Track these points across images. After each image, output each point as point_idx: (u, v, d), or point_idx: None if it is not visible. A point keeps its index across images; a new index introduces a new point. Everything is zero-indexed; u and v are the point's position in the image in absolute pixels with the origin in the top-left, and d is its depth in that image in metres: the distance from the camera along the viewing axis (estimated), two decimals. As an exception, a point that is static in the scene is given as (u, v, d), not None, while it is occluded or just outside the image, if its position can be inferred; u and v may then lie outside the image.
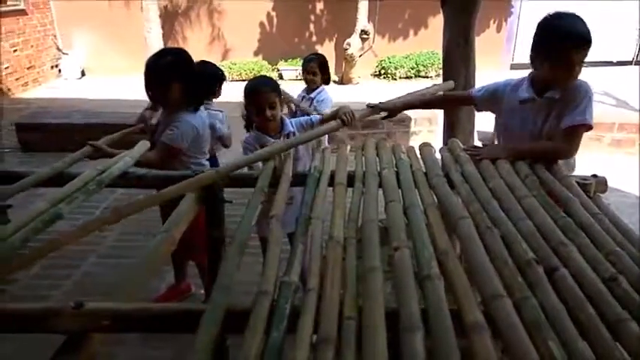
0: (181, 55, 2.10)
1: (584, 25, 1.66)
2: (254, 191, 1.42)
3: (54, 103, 6.35)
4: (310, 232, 1.19)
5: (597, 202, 1.39)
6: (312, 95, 3.31)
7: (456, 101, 2.19)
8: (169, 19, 8.48)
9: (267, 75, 3.18)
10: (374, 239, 1.14)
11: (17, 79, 7.39)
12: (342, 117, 1.97)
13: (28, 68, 7.70)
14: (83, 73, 8.70)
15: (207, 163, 2.26)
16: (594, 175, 1.56)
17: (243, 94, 2.14)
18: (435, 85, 2.16)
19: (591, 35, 1.64)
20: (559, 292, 0.93)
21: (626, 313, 0.88)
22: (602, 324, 0.85)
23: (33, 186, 1.52)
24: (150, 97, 2.11)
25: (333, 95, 3.45)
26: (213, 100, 2.93)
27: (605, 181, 1.55)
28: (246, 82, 2.20)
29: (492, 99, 1.94)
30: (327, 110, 2.77)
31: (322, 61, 3.30)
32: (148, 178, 1.60)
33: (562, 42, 1.64)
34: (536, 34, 1.75)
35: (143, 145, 1.75)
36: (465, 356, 0.78)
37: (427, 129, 5.13)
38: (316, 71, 3.26)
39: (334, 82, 8.65)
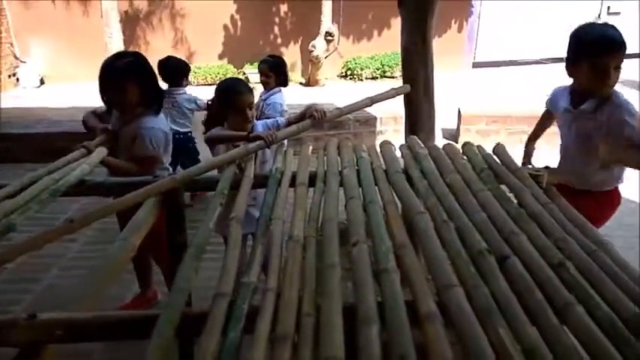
0: (137, 57, 2.08)
1: (616, 31, 1.71)
2: (214, 194, 1.42)
3: (13, 112, 6.14)
4: (270, 232, 1.20)
5: (549, 192, 1.44)
6: (263, 97, 3.31)
7: (549, 119, 2.26)
8: (130, 24, 8.32)
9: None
10: (333, 237, 1.15)
11: (-28, 89, 7.12)
12: (313, 113, 1.96)
13: (-17, 77, 7.42)
14: (42, 82, 8.45)
15: (170, 167, 2.23)
16: (546, 167, 1.62)
17: (217, 92, 2.14)
18: (392, 89, 2.20)
19: (624, 41, 1.69)
20: (510, 280, 0.96)
21: (572, 297, 0.92)
22: (549, 308, 0.88)
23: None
24: (105, 101, 2.06)
25: (300, 97, 3.48)
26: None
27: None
28: (218, 84, 2.22)
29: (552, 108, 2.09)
30: (282, 115, 2.74)
31: (276, 63, 3.24)
32: (106, 186, 1.57)
33: (594, 48, 1.69)
34: (569, 44, 1.82)
35: (101, 152, 1.71)
36: (420, 346, 0.80)
37: (393, 128, 5.20)
38: (268, 73, 3.21)
39: (301, 84, 8.67)
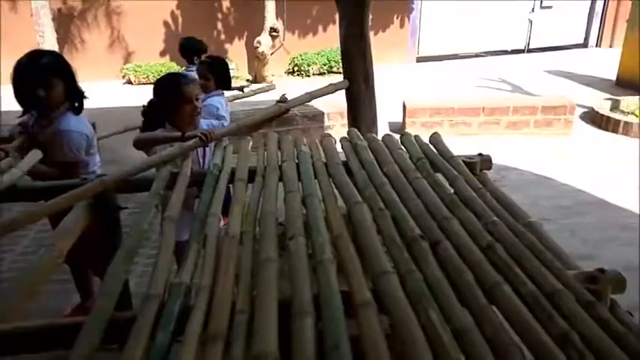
0: (57, 55, 1.99)
1: None
2: (149, 194, 1.37)
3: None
4: (205, 230, 1.16)
5: (482, 178, 1.49)
6: (202, 100, 3.21)
7: None
8: (64, 22, 7.93)
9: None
10: (271, 231, 1.14)
11: None
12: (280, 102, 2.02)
13: None
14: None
15: (99, 171, 2.13)
16: (480, 154, 1.67)
17: (159, 89, 2.06)
18: (330, 84, 2.22)
19: None
20: (442, 264, 0.98)
21: (500, 277, 0.95)
22: (479, 289, 0.91)
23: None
24: (22, 101, 1.93)
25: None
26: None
27: (490, 159, 1.67)
28: (157, 80, 2.14)
29: None
30: (218, 119, 2.64)
31: (215, 64, 3.06)
32: (40, 190, 1.48)
33: None
34: None
35: (34, 156, 1.61)
36: (355, 338, 0.80)
37: (340, 123, 5.22)
38: (207, 75, 3.02)
39: (248, 80, 8.56)
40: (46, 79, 1.88)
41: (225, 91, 3.03)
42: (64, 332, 0.91)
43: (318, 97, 2.14)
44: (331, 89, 2.16)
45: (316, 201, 1.29)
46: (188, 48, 4.19)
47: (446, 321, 0.82)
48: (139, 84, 7.82)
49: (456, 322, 0.81)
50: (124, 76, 8.17)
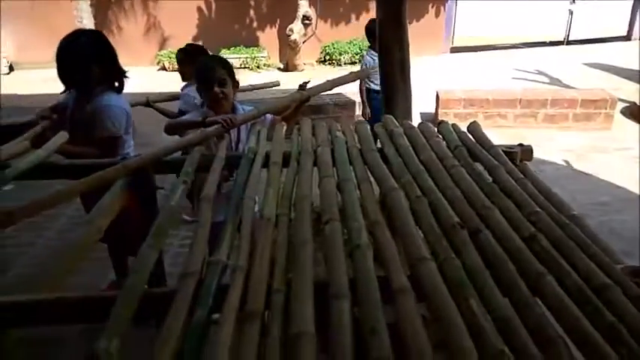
0: (98, 34, 2.00)
1: None
2: (180, 175, 1.38)
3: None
4: (241, 211, 1.17)
5: (522, 168, 1.44)
6: (181, 88, 3.09)
7: None
8: (102, 8, 8.09)
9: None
10: (306, 215, 1.13)
11: None
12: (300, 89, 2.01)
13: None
14: (11, 68, 8.18)
15: (132, 154, 2.15)
16: (520, 144, 1.62)
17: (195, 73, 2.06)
18: (352, 72, 2.22)
19: None
20: (482, 253, 0.96)
21: (543, 268, 0.92)
22: (521, 280, 0.88)
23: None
24: (65, 82, 1.97)
25: (281, 82, 3.34)
26: None
27: (531, 150, 1.62)
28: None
29: None
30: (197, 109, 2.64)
31: (194, 52, 2.85)
32: (69, 169, 1.51)
33: None
34: None
35: (61, 138, 1.64)
36: (392, 325, 0.78)
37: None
38: (186, 64, 2.84)
39: (279, 69, 8.57)
40: (85, 58, 1.91)
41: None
42: (99, 306, 0.93)
43: (340, 84, 2.14)
44: (353, 77, 2.16)
45: (352, 186, 1.27)
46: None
47: (487, 310, 0.80)
48: (173, 70, 7.92)
49: (498, 311, 0.79)
50: (158, 62, 8.30)
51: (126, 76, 2.07)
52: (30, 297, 0.88)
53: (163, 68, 8.23)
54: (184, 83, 3.11)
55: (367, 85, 3.87)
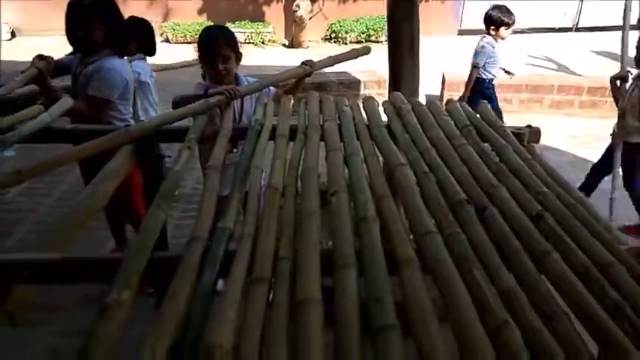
0: None
1: None
2: (185, 141, 1.38)
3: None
4: (249, 180, 1.17)
5: (530, 149, 1.44)
6: None
7: None
8: (107, -24, 7.95)
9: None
10: (313, 186, 1.13)
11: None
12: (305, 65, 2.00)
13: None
14: (13, 34, 8.09)
15: (132, 121, 2.15)
16: (529, 126, 1.62)
17: (197, 45, 2.02)
18: (353, 49, 2.23)
19: None
20: (488, 230, 0.96)
21: (550, 246, 0.92)
22: (527, 256, 0.88)
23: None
24: (71, 41, 1.97)
25: (283, 59, 3.31)
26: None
27: (539, 132, 1.61)
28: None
29: None
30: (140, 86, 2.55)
31: (136, 27, 2.65)
32: (73, 133, 1.50)
33: None
34: None
35: (65, 103, 1.63)
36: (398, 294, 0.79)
37: (376, 92, 5.14)
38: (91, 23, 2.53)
39: (284, 45, 8.48)
40: (87, 20, 1.90)
41: (148, 57, 2.82)
42: (106, 266, 0.94)
43: (341, 61, 2.16)
44: (354, 54, 2.17)
45: (358, 160, 1.27)
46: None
47: (491, 283, 0.80)
48: (176, 42, 7.85)
49: (502, 283, 0.80)
50: (162, 34, 8.20)
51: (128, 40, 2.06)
52: (39, 256, 0.89)
53: (167, 40, 8.14)
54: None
55: (482, 75, 3.72)
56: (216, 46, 1.92)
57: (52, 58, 1.83)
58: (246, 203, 1.08)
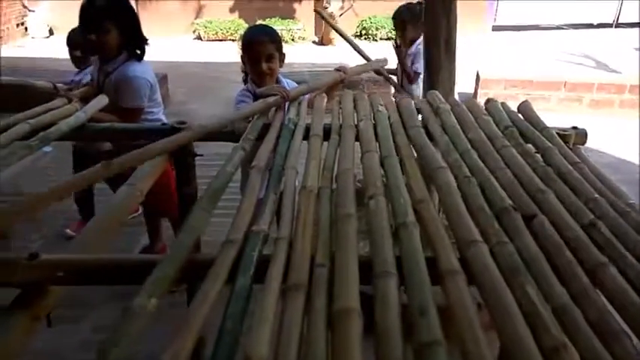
0: None
1: None
2: (240, 141, 1.35)
3: (20, 62, 6.07)
4: (283, 182, 1.14)
5: (577, 152, 1.37)
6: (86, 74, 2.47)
7: None
8: (140, -25, 8.10)
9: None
10: (349, 188, 1.09)
11: (-20, 37, 7.03)
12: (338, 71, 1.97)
13: (-9, 25, 7.32)
14: (51, 32, 8.32)
15: (163, 116, 2.16)
16: (574, 127, 1.54)
17: (240, 43, 2.03)
18: (376, 60, 2.31)
19: None
20: (537, 239, 0.90)
21: (605, 258, 0.86)
22: (580, 269, 0.83)
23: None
24: (86, 45, 1.98)
25: (312, 56, 3.28)
26: None
27: (586, 134, 1.53)
28: (244, 32, 2.09)
29: None
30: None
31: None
32: (109, 131, 1.51)
33: None
34: None
35: (100, 100, 1.63)
36: (441, 305, 0.75)
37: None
38: (78, 47, 2.41)
39: (314, 42, 8.46)
40: (98, 22, 1.89)
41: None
42: (142, 268, 0.92)
43: (354, 74, 2.22)
44: (368, 68, 2.30)
45: (395, 162, 1.23)
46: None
47: (544, 299, 0.75)
48: (208, 40, 7.93)
49: (556, 300, 0.74)
50: (194, 31, 8.30)
51: (147, 43, 2.06)
52: (75, 256, 0.88)
53: (199, 37, 8.23)
54: (76, 70, 2.55)
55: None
56: (262, 45, 1.89)
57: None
58: (280, 205, 1.05)
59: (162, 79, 5.06)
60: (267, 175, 1.19)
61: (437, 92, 1.73)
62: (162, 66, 5.71)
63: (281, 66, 1.99)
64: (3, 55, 6.91)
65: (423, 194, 1.05)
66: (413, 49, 3.28)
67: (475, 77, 5.14)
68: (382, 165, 1.24)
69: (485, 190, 1.07)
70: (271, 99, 1.67)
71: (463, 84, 5.31)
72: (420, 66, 3.17)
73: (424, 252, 0.87)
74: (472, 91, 5.19)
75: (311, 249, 0.88)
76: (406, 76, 3.34)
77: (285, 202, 1.04)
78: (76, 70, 2.50)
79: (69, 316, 2.15)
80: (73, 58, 2.47)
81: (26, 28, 8.06)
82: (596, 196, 1.05)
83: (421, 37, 2.99)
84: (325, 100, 1.80)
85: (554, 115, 4.64)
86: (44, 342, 1.96)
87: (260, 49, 1.88)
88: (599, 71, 6.23)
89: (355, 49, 3.10)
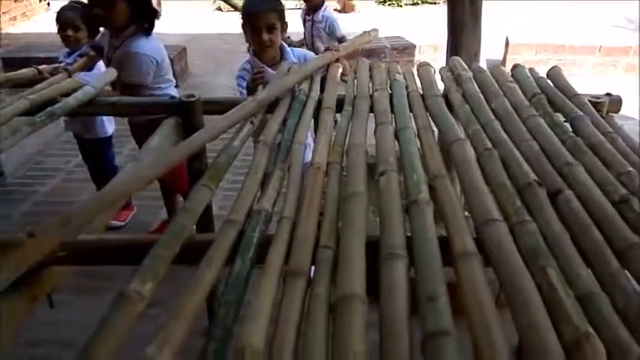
0: None
1: None
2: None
3: (42, 37, 6.10)
4: (290, 157, 1.09)
5: (610, 121, 1.26)
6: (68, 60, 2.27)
7: None
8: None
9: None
10: (359, 164, 1.03)
11: (4, 13, 7.09)
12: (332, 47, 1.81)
13: (15, 1, 7.36)
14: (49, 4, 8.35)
15: (174, 91, 2.12)
16: (608, 94, 1.42)
17: (241, 13, 1.92)
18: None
19: None
20: (562, 217, 0.83)
21: (637, 237, 0.78)
22: (609, 250, 0.75)
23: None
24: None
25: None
26: None
27: (620, 100, 1.42)
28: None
29: None
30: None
31: (86, 11, 2.18)
32: (120, 106, 1.47)
33: None
34: None
35: (110, 74, 1.60)
36: (453, 286, 0.69)
37: (432, 57, 4.88)
38: (77, 24, 2.18)
39: (335, 10, 8.22)
40: None
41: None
42: (145, 248, 0.90)
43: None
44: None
45: (411, 135, 1.15)
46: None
47: (567, 284, 0.68)
48: (228, 11, 7.80)
49: (581, 286, 0.68)
50: (214, 2, 8.18)
51: (157, 17, 2.00)
52: (84, 237, 0.86)
53: (219, 9, 8.12)
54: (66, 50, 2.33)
55: None
56: (262, 14, 1.79)
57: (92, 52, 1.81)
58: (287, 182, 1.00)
59: (182, 52, 5.01)
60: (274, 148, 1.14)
61: (459, 59, 1.62)
62: (181, 39, 5.67)
63: (283, 37, 1.89)
64: (25, 30, 6.97)
65: (438, 169, 0.98)
66: (319, 16, 3.02)
67: (505, 42, 4.91)
68: (397, 138, 1.17)
69: (508, 163, 0.99)
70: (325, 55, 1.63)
71: (490, 50, 5.10)
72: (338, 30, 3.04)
73: (439, 231, 0.81)
74: (501, 57, 4.97)
75: (316, 230, 0.83)
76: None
77: (291, 179, 0.99)
78: (67, 50, 2.29)
79: (95, 287, 2.18)
80: (64, 38, 2.24)
81: (48, 4, 8.11)
82: (630, 169, 0.96)
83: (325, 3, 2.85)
84: (340, 69, 1.72)
85: (589, 81, 4.42)
86: (68, 313, 2.00)
87: (260, 18, 1.78)
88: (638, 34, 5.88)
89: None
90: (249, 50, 1.99)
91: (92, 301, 2.11)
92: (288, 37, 2.68)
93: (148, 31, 1.97)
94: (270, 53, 1.86)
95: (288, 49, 1.94)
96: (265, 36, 1.80)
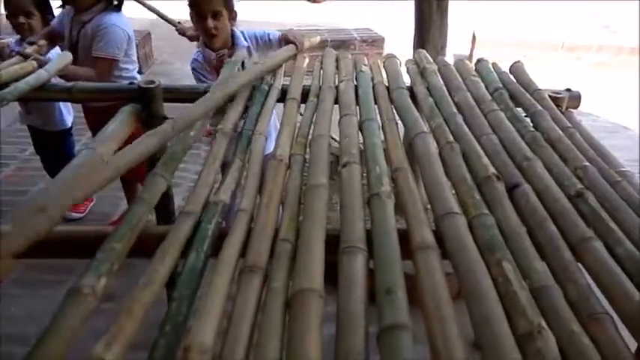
0: None
1: None
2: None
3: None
4: (250, 148, 1.06)
5: (569, 116, 1.29)
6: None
7: None
8: None
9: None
10: (322, 155, 1.02)
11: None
12: (292, 40, 1.73)
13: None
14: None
15: (137, 75, 2.05)
16: (568, 89, 1.45)
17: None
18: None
19: None
20: (520, 210, 0.84)
21: (591, 231, 0.80)
22: (563, 243, 0.77)
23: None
24: None
25: (301, 16, 3.10)
26: None
27: (579, 96, 1.45)
28: None
29: None
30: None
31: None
32: (75, 91, 1.41)
33: None
34: None
35: (64, 58, 1.52)
36: (411, 277, 0.69)
37: (401, 50, 4.90)
38: (31, 11, 1.98)
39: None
40: None
41: None
42: (97, 241, 0.86)
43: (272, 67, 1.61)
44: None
45: (375, 127, 1.15)
46: None
47: (522, 276, 0.69)
48: (196, -3, 7.61)
49: (536, 279, 0.68)
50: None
51: None
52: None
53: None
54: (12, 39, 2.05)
55: None
56: (205, 0, 1.72)
57: (43, 41, 1.71)
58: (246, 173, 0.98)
59: (146, 36, 4.86)
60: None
61: (424, 52, 1.63)
62: (145, 23, 5.48)
63: (232, 25, 1.82)
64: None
65: (401, 162, 0.98)
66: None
67: (471, 38, 4.98)
68: (361, 130, 1.17)
69: (468, 157, 1.00)
70: (287, 50, 1.61)
71: (457, 45, 5.15)
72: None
73: (399, 224, 0.81)
74: (467, 52, 5.04)
75: (276, 223, 0.82)
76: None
77: (250, 170, 0.97)
78: (17, 37, 2.03)
79: (50, 280, 2.11)
80: (16, 25, 2.01)
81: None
82: (586, 163, 0.98)
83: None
84: (306, 60, 1.70)
85: (553, 77, 4.52)
86: (22, 307, 1.93)
87: (204, 5, 1.71)
88: (603, 32, 6.06)
89: (162, 17, 2.61)
90: (198, 39, 1.94)
91: (47, 295, 2.03)
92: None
93: (117, 7, 1.91)
94: (217, 43, 1.79)
95: (238, 32, 1.86)
96: (210, 23, 1.73)
